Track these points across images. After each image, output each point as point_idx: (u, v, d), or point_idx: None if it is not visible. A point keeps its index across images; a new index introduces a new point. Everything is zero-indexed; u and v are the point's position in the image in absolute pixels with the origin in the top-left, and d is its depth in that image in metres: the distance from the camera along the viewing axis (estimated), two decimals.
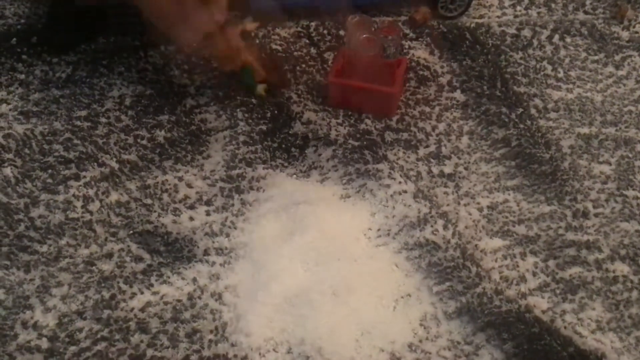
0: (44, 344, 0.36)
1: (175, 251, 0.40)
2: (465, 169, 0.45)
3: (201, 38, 0.43)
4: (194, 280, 0.39)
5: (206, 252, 0.40)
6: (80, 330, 0.37)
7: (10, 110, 0.48)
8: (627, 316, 0.38)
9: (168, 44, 0.50)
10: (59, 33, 0.53)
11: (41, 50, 0.52)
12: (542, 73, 0.52)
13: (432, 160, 0.46)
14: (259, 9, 0.51)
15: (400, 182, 0.43)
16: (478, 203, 0.43)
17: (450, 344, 0.37)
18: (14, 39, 0.54)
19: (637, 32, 0.55)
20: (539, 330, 0.36)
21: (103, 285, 0.38)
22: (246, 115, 0.48)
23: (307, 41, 0.54)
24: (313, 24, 0.55)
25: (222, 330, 0.37)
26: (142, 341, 0.36)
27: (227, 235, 0.41)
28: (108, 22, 0.53)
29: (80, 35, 0.53)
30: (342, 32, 0.54)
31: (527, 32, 0.55)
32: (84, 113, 0.47)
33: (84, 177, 0.43)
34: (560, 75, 0.52)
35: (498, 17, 0.57)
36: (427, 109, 0.49)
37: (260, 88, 0.48)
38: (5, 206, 0.42)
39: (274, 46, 0.53)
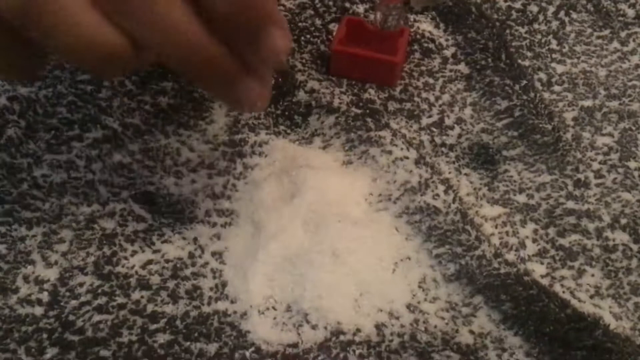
0: (45, 297, 0.36)
1: (176, 212, 0.41)
2: (468, 139, 0.45)
3: None
4: (195, 240, 0.39)
5: (207, 214, 0.41)
6: (81, 285, 0.37)
7: None
8: (626, 283, 0.38)
9: None
10: None
11: None
12: (547, 47, 0.52)
13: (434, 130, 0.46)
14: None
15: (402, 149, 0.43)
16: (479, 172, 0.44)
17: (448, 306, 0.37)
18: None
19: None
20: (537, 293, 0.36)
21: (104, 242, 0.39)
22: None
23: (312, 12, 0.54)
24: None
25: (222, 288, 0.37)
26: (142, 297, 0.37)
27: (229, 198, 0.41)
28: None
29: None
30: (347, 4, 0.55)
31: (533, 7, 0.55)
32: (87, 77, 0.48)
33: (87, 138, 0.43)
34: (566, 50, 0.52)
35: None
36: (431, 81, 0.49)
37: None
38: (8, 165, 0.42)
39: None
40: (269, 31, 0.31)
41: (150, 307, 0.36)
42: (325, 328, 0.36)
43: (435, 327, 0.36)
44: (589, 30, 0.53)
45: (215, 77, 0.32)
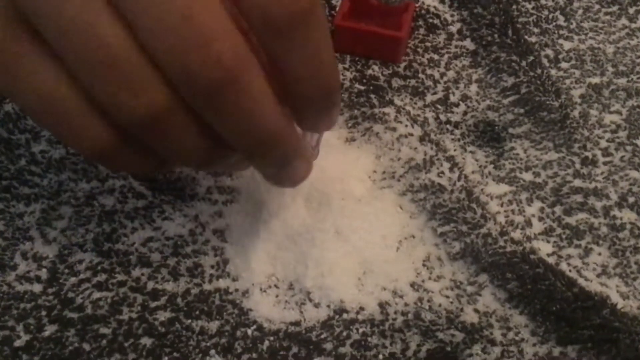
0: (44, 274, 0.36)
1: (177, 189, 0.40)
2: (473, 116, 0.45)
3: None
4: (196, 217, 0.39)
5: (208, 191, 0.40)
6: (81, 262, 0.36)
7: None
8: (634, 262, 0.38)
9: None
10: None
11: None
12: (554, 23, 0.51)
13: (439, 107, 0.45)
14: None
15: (406, 126, 0.42)
16: (485, 150, 0.43)
17: (453, 284, 0.36)
18: None
19: None
20: (544, 271, 0.35)
21: (104, 219, 0.38)
22: None
23: None
24: None
25: (224, 266, 0.37)
26: (142, 274, 0.36)
27: (230, 175, 0.41)
28: None
29: None
30: None
31: None
32: None
33: None
34: (573, 26, 0.51)
35: None
36: (436, 57, 0.48)
37: None
38: (6, 141, 0.41)
39: None
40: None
41: (150, 285, 0.36)
42: (328, 306, 0.35)
43: (440, 305, 0.35)
44: (597, 7, 0.52)
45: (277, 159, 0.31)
